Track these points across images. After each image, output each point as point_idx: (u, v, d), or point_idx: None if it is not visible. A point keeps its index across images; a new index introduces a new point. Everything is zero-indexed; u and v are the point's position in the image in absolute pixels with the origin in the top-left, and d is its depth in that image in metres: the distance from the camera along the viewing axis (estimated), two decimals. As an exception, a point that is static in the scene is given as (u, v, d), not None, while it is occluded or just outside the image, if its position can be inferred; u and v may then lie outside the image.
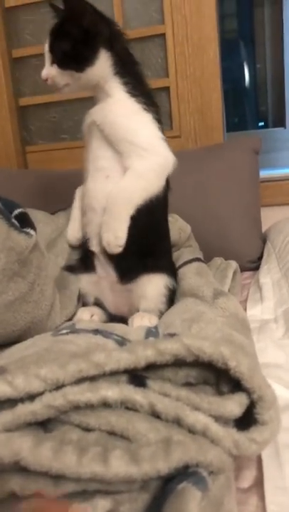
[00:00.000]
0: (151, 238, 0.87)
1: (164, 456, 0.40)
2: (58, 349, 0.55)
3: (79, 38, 0.80)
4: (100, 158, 0.86)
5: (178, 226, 1.08)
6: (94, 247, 0.87)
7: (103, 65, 0.82)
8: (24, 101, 1.70)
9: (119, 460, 0.39)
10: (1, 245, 0.66)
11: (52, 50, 0.82)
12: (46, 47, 0.83)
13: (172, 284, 0.88)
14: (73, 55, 0.81)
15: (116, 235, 0.81)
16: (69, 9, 0.80)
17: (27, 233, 0.70)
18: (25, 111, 1.73)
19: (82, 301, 0.91)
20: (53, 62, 0.82)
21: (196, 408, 0.45)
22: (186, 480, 0.39)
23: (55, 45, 0.82)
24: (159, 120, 0.87)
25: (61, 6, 0.82)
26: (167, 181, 0.88)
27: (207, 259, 1.08)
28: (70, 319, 0.83)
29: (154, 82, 1.54)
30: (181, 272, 0.92)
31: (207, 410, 0.45)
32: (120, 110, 0.84)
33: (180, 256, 1.00)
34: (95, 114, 0.86)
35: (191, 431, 0.44)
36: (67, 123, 1.70)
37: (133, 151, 0.82)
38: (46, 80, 0.84)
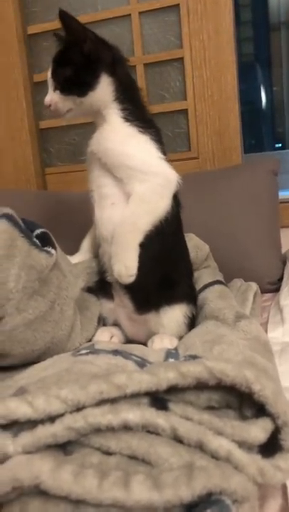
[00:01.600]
0: (166, 264, 0.85)
1: (186, 482, 0.39)
2: (77, 370, 0.54)
3: (80, 64, 0.81)
4: (103, 186, 0.85)
5: (193, 244, 1.06)
6: (110, 277, 0.85)
7: (105, 89, 0.83)
8: (44, 124, 1.73)
9: (141, 485, 0.38)
10: (21, 263, 0.66)
11: (54, 76, 0.84)
12: (49, 74, 0.85)
13: (192, 312, 0.86)
14: (75, 80, 0.82)
15: (126, 265, 0.78)
16: (70, 36, 0.81)
17: (48, 252, 0.71)
18: (45, 133, 1.76)
19: (102, 323, 0.90)
20: (55, 88, 0.84)
21: (219, 433, 0.44)
22: (210, 508, 0.38)
23: (58, 72, 0.83)
24: (158, 141, 0.85)
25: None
26: (176, 200, 0.87)
27: (226, 280, 1.07)
28: (89, 341, 0.83)
29: (172, 105, 1.57)
30: (203, 296, 0.90)
31: (230, 435, 0.44)
32: (114, 136, 0.83)
33: (199, 277, 0.99)
34: (93, 142, 0.86)
35: (214, 456, 0.43)
36: (86, 145, 1.72)
37: (132, 176, 0.81)
38: (49, 106, 0.85)
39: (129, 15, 1.56)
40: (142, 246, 0.80)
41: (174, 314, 0.84)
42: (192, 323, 0.86)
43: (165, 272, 0.85)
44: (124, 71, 0.86)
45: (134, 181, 0.81)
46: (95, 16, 1.57)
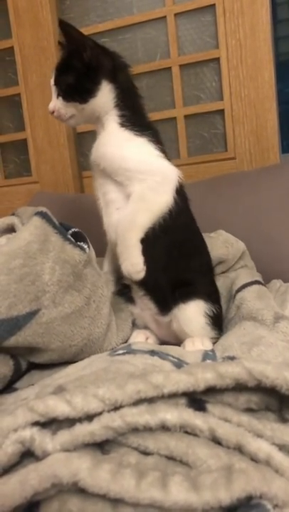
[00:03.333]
0: (178, 259, 0.84)
1: (225, 484, 0.38)
2: (115, 369, 0.54)
3: (81, 71, 0.83)
4: (107, 193, 0.86)
5: (223, 239, 1.04)
6: (127, 280, 0.86)
7: (105, 96, 0.84)
8: (81, 128, 1.76)
9: (179, 486, 0.38)
10: (56, 257, 0.68)
11: (57, 83, 0.86)
12: (52, 81, 0.87)
13: (212, 309, 0.84)
14: (76, 87, 0.84)
15: (132, 262, 0.80)
16: (70, 45, 0.83)
17: (81, 248, 0.72)
18: (81, 137, 1.78)
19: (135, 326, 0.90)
20: (58, 95, 0.86)
21: (259, 435, 0.43)
22: (250, 511, 0.37)
23: (60, 79, 0.85)
24: (156, 141, 0.86)
25: None
26: (182, 195, 0.86)
27: (264, 281, 1.05)
28: (125, 342, 0.83)
29: (208, 106, 1.56)
30: (241, 296, 0.88)
31: (270, 438, 0.43)
32: (110, 141, 0.84)
33: (237, 277, 0.97)
34: (93, 151, 0.87)
35: (254, 459, 0.42)
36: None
37: (131, 178, 0.82)
38: (53, 112, 0.87)
39: (165, 17, 1.56)
40: (148, 243, 0.80)
41: (190, 312, 0.83)
42: (217, 322, 0.84)
43: (178, 268, 0.84)
44: (125, 78, 0.87)
45: (133, 182, 0.82)
46: (131, 19, 1.58)
